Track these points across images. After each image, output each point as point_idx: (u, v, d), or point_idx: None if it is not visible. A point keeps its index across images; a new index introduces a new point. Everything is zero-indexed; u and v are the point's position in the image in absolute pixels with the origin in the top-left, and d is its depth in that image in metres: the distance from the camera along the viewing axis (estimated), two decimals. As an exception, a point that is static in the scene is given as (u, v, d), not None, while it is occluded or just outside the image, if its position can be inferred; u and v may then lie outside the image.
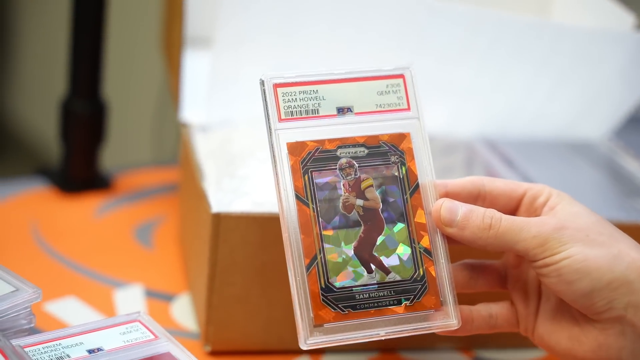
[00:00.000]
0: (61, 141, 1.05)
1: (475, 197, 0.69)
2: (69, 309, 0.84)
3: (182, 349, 0.70)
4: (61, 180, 1.05)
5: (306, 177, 0.64)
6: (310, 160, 0.64)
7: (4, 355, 0.63)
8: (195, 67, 0.94)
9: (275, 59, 0.90)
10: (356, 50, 0.90)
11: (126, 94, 2.06)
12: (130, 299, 0.87)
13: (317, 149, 0.64)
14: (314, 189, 0.64)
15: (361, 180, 0.65)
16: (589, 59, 0.93)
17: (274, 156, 0.64)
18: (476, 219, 0.65)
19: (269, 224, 0.78)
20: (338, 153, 0.65)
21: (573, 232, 0.65)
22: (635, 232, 0.83)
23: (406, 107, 0.66)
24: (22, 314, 0.70)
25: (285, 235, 0.64)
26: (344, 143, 0.65)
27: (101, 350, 0.68)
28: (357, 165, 0.65)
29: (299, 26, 0.87)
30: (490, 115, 0.97)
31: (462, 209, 0.65)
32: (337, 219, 0.64)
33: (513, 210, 0.70)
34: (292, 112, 0.65)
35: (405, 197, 0.65)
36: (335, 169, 0.64)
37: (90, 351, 0.68)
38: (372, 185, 0.65)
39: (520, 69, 0.93)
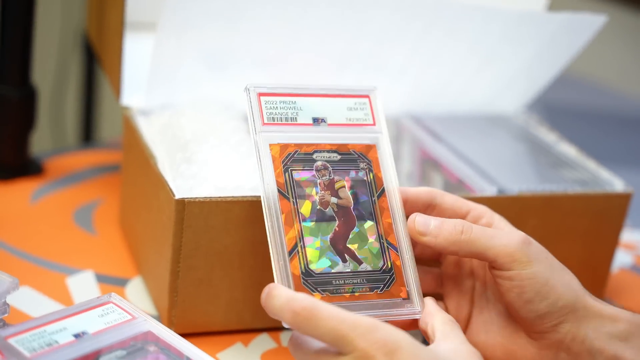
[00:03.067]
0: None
1: (427, 207, 0.76)
2: (27, 299, 0.84)
3: (161, 326, 0.72)
4: (-9, 167, 1.03)
5: (287, 174, 0.71)
6: (290, 160, 0.72)
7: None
8: (135, 51, 0.94)
9: (219, 44, 0.91)
10: (298, 35, 0.92)
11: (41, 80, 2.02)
12: (83, 285, 0.88)
13: (296, 151, 0.72)
14: (293, 185, 0.71)
15: (335, 181, 0.72)
16: (515, 39, 0.99)
17: (258, 155, 0.71)
18: (448, 226, 0.71)
19: (231, 208, 0.80)
20: (314, 156, 0.73)
21: (537, 251, 0.72)
22: (567, 201, 0.90)
23: (372, 122, 0.76)
24: (-2, 305, 0.70)
25: (268, 225, 0.70)
26: (319, 148, 0.73)
27: (86, 333, 0.70)
28: (331, 168, 0.73)
29: (243, 10, 0.89)
30: (418, 94, 1.02)
31: (433, 221, 0.72)
32: (314, 213, 0.71)
33: None
34: (273, 118, 0.73)
35: (373, 199, 0.73)
36: (312, 169, 0.72)
37: (76, 335, 0.69)
38: (344, 186, 0.73)
39: (451, 50, 0.98)
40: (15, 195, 1.01)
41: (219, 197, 0.80)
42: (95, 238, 0.96)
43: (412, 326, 0.74)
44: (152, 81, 0.92)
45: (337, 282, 0.70)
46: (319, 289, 0.70)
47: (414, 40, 0.95)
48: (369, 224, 0.72)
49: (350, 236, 0.72)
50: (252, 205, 0.80)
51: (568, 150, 1.00)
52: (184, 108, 0.92)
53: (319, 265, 0.70)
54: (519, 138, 1.02)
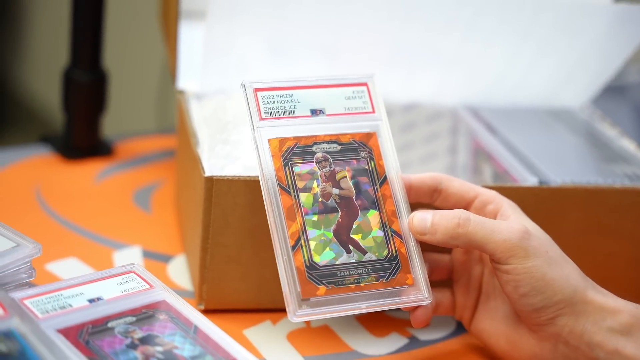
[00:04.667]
0: (64, 110, 1.09)
1: (433, 192, 0.76)
2: (70, 269, 0.88)
3: (177, 296, 0.74)
4: (64, 147, 1.09)
5: (287, 168, 0.72)
6: (290, 154, 0.72)
7: (3, 307, 0.67)
8: (191, 38, 0.97)
9: (267, 30, 0.93)
10: (345, 22, 0.93)
11: (128, 65, 2.09)
12: (128, 259, 0.91)
13: (296, 144, 0.72)
14: (294, 179, 0.71)
15: (336, 172, 0.72)
16: (568, 30, 0.96)
17: (257, 150, 0.72)
18: (445, 221, 0.71)
19: (259, 188, 0.81)
20: (314, 148, 0.73)
21: (537, 245, 0.71)
22: (613, 195, 0.87)
23: (371, 110, 0.75)
24: (22, 269, 0.73)
25: (270, 220, 0.71)
26: (319, 140, 0.73)
27: (101, 299, 0.72)
28: (331, 159, 0.73)
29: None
30: (473, 84, 1.01)
31: (430, 218, 0.72)
32: (316, 205, 0.71)
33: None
34: (271, 112, 0.73)
35: (375, 188, 0.73)
36: (312, 162, 0.72)
37: (90, 300, 0.71)
38: (345, 177, 0.73)
39: (503, 40, 0.96)
40: (81, 175, 1.06)
41: (247, 176, 0.81)
42: (149, 216, 0.99)
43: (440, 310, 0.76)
44: (205, 66, 0.95)
45: (342, 273, 0.71)
46: (323, 281, 0.70)
47: (464, 29, 0.94)
48: (372, 212, 0.72)
49: (353, 226, 0.72)
50: (279, 186, 0.82)
51: (627, 145, 0.97)
52: (232, 92, 0.95)
53: (323, 257, 0.70)
54: (577, 132, 0.99)
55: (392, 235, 0.72)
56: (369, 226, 0.72)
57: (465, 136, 1.01)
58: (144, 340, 0.70)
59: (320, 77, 0.75)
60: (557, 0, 0.93)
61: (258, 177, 0.81)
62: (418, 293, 0.72)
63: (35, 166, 1.07)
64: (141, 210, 1.00)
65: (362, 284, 0.71)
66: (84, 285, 0.73)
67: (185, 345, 0.70)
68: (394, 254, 0.72)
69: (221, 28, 0.92)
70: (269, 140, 0.72)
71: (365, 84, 0.76)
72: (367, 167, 0.73)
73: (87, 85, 1.05)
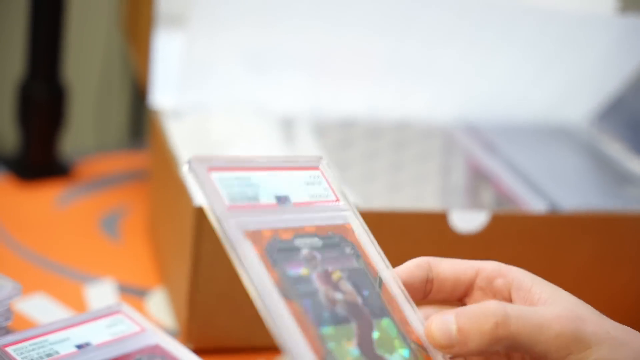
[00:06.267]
0: (19, 127, 0.99)
1: (425, 284, 0.59)
2: (40, 307, 0.79)
3: (171, 339, 0.67)
4: (19, 167, 0.99)
5: (277, 269, 0.54)
6: (275, 251, 0.55)
7: None
8: (166, 48, 0.89)
9: (250, 40, 0.86)
10: (337, 34, 0.86)
11: (90, 75, 1.98)
12: (102, 294, 0.83)
13: (275, 239, 0.56)
14: (290, 283, 0.54)
15: (330, 272, 0.56)
16: (574, 43, 0.92)
17: (235, 250, 0.53)
18: (477, 325, 0.54)
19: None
20: (296, 244, 0.56)
21: (595, 329, 0.56)
22: (629, 222, 0.82)
23: (334, 198, 0.60)
24: (0, 312, 0.66)
25: (281, 341, 0.51)
26: (298, 233, 0.57)
27: (89, 344, 0.65)
28: (319, 256, 0.56)
29: (279, 7, 0.83)
30: (472, 100, 0.95)
31: (454, 322, 0.55)
32: (325, 314, 0.54)
33: (463, 295, 0.60)
34: (234, 198, 0.55)
35: (377, 291, 0.57)
36: (301, 260, 0.55)
37: (79, 346, 0.65)
38: (342, 278, 0.56)
39: (506, 53, 0.91)
40: (41, 198, 0.97)
41: (242, 205, 0.74)
42: (120, 246, 0.91)
43: None
44: (183, 80, 0.87)
45: None
46: None
47: (465, 43, 0.89)
48: (386, 321, 0.56)
49: (374, 339, 0.55)
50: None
51: (634, 166, 0.92)
52: (215, 110, 0.87)
53: None
54: (582, 151, 0.94)
55: (416, 349, 0.56)
56: (390, 338, 0.56)
57: (460, 156, 0.94)
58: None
59: (271, 159, 0.58)
60: (562, 12, 0.88)
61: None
62: None
63: (-13, 188, 0.98)
64: (110, 238, 0.92)
65: None
66: (69, 329, 0.66)
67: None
68: None
69: (203, 38, 0.84)
70: (247, 233, 0.54)
71: (317, 168, 0.60)
72: (357, 265, 0.57)
73: (45, 100, 0.96)
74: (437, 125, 0.96)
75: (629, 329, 0.58)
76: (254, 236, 0.54)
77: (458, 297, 0.60)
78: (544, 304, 0.57)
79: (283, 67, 0.89)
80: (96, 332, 0.66)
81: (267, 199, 0.56)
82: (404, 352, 0.55)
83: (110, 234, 0.92)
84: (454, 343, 0.54)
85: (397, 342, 0.55)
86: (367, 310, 0.55)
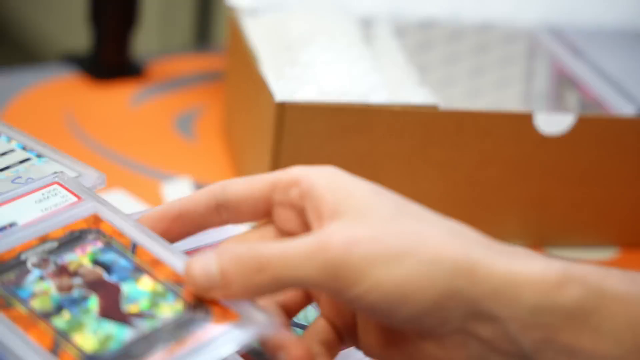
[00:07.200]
0: (91, 26, 0.98)
1: (215, 210, 0.54)
2: (119, 202, 0.78)
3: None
4: (91, 66, 0.98)
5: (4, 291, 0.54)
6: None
7: None
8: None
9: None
10: None
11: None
12: (179, 192, 0.82)
13: None
14: (14, 294, 0.54)
15: (67, 264, 0.56)
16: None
17: None
18: (240, 266, 0.49)
19: (336, 115, 0.73)
20: (22, 257, 0.56)
21: (368, 246, 0.48)
22: None
23: (76, 199, 0.60)
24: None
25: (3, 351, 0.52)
26: (25, 248, 0.57)
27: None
28: (52, 258, 0.56)
29: None
30: (558, 3, 0.91)
31: (216, 262, 0.50)
32: (60, 302, 0.54)
33: (264, 215, 0.54)
34: None
35: (130, 258, 0.56)
36: (29, 269, 0.55)
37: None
38: (82, 265, 0.56)
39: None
40: (114, 98, 0.96)
41: (323, 102, 0.73)
42: (195, 145, 0.90)
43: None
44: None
45: (139, 349, 0.52)
46: None
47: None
48: (141, 279, 0.55)
49: (122, 301, 0.54)
50: (360, 113, 0.74)
51: None
52: (292, 8, 0.85)
53: (103, 346, 0.52)
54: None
55: (181, 287, 0.53)
56: (146, 291, 0.54)
57: (544, 60, 0.91)
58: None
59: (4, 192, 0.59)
60: None
61: (335, 103, 0.72)
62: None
63: (60, 88, 0.97)
64: (185, 137, 0.91)
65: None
66: None
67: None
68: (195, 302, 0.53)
69: None
70: None
71: (55, 183, 0.60)
72: (102, 246, 0.56)
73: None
74: (521, 28, 0.93)
75: (424, 216, 0.50)
76: None
77: (261, 217, 0.53)
78: (329, 218, 0.49)
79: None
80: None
81: None
82: (160, 292, 0.53)
83: (185, 133, 0.91)
84: (216, 285, 0.50)
85: (156, 290, 0.53)
86: (115, 278, 0.54)
